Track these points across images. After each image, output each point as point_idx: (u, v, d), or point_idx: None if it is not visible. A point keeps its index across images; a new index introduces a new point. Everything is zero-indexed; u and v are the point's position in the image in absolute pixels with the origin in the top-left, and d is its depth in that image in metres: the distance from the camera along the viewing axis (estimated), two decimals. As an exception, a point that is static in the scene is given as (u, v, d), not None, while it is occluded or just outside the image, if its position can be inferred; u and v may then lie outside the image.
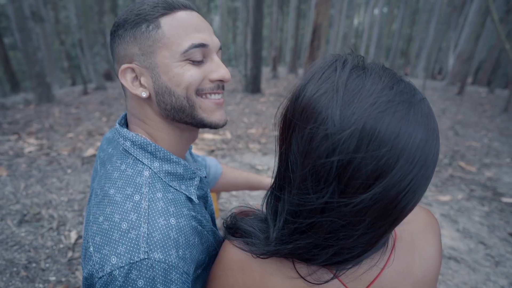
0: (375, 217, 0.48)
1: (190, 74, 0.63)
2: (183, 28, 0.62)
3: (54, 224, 1.63)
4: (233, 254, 0.61)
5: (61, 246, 1.50)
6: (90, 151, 2.73)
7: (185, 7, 0.64)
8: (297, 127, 0.51)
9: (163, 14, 0.62)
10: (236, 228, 0.65)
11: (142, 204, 0.58)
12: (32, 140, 3.33)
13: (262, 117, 6.84)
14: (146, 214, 0.57)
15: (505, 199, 3.20)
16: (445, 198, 3.43)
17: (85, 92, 7.84)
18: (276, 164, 0.61)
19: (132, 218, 0.56)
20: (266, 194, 0.65)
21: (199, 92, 0.66)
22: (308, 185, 0.49)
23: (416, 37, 23.79)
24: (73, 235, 1.57)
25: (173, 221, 0.59)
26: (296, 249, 0.52)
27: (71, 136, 3.89)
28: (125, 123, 0.75)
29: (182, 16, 0.63)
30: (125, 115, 0.77)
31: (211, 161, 1.36)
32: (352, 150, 0.44)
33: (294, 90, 0.54)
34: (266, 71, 14.27)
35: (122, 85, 0.68)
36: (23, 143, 3.14)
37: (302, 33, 24.97)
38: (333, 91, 0.47)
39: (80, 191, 2.00)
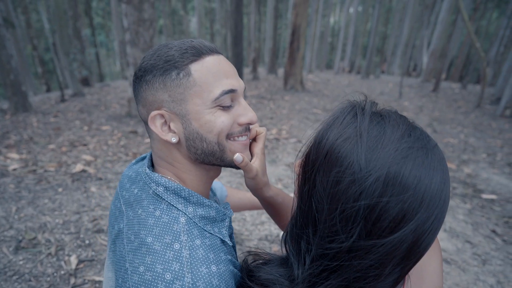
0: (402, 257, 0.51)
1: (221, 120, 0.65)
2: (213, 74, 0.63)
3: (52, 249, 1.60)
4: None
5: (62, 272, 1.47)
6: (79, 167, 2.68)
7: (211, 52, 0.65)
8: (321, 169, 0.53)
9: (192, 61, 0.62)
10: (253, 276, 0.66)
11: (183, 253, 0.59)
12: (13, 155, 3.23)
13: (247, 121, 6.83)
14: (189, 263, 0.58)
15: (484, 196, 3.34)
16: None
17: (62, 99, 7.61)
18: (296, 202, 0.63)
19: (175, 268, 0.57)
20: (285, 232, 0.67)
21: (229, 136, 0.68)
22: (337, 225, 0.51)
23: (391, 35, 24.35)
24: (73, 260, 1.55)
25: (214, 268, 0.59)
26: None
27: (53, 148, 3.79)
28: (151, 163, 0.75)
29: (210, 62, 0.63)
30: (150, 155, 0.77)
31: (216, 184, 1.36)
32: (378, 194, 0.47)
33: (316, 134, 0.57)
34: (246, 72, 14.28)
35: (147, 127, 0.69)
36: (4, 159, 3.04)
37: (279, 33, 25.11)
38: (357, 136, 0.50)
39: (74, 211, 1.96)
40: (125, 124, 5.55)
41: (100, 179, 2.47)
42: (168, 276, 0.56)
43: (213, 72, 0.63)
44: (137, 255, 0.60)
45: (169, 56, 0.62)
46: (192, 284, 0.55)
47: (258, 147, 0.78)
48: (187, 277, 0.56)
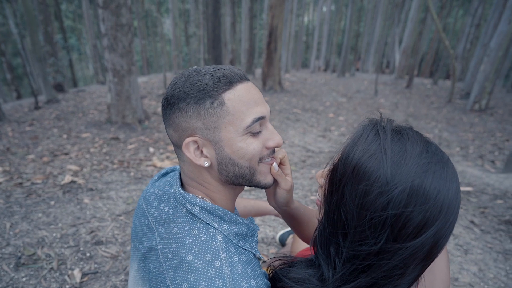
0: (423, 258, 0.58)
1: (253, 147, 0.69)
2: (245, 103, 0.66)
3: (54, 264, 1.60)
4: None
5: (67, 287, 1.47)
6: (67, 178, 2.64)
7: (241, 79, 0.68)
8: (349, 183, 0.60)
9: (225, 90, 0.65)
10: (281, 280, 0.71)
11: (224, 269, 0.63)
12: (-6, 168, 3.14)
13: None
14: (230, 280, 0.61)
15: (461, 188, 3.52)
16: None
17: (36, 107, 7.38)
18: (322, 211, 0.70)
19: (218, 284, 0.60)
20: (314, 238, 0.74)
21: (260, 160, 0.72)
22: (366, 232, 0.58)
23: (364, 33, 24.91)
24: (77, 273, 1.55)
25: (253, 282, 0.63)
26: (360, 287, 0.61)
27: (33, 158, 3.71)
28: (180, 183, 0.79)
29: (241, 90, 0.66)
30: (179, 175, 0.80)
31: None
32: (404, 204, 0.54)
33: (343, 151, 0.63)
34: (223, 73, 14.24)
35: (177, 149, 0.73)
36: (-14, 172, 2.95)
37: (254, 33, 25.19)
38: (381, 153, 0.57)
39: (70, 224, 1.95)
40: (105, 130, 5.46)
41: (91, 189, 2.45)
42: None
43: (244, 101, 0.66)
44: (178, 273, 0.64)
45: (203, 85, 0.64)
46: None
47: (288, 169, 0.84)
48: None
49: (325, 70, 24.54)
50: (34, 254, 1.64)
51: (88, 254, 1.72)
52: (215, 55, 8.07)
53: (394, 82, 15.32)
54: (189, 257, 0.64)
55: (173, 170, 0.97)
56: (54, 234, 1.82)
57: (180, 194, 0.73)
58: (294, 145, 5.34)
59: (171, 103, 0.67)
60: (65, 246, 1.75)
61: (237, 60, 22.54)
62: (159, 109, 7.63)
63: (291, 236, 1.96)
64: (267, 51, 10.56)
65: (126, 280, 1.59)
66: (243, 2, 20.25)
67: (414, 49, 15.06)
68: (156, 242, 0.73)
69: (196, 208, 0.71)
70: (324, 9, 24.05)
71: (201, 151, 0.69)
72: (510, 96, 13.45)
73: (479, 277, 2.04)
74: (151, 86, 11.76)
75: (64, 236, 1.82)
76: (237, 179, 0.72)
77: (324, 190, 0.67)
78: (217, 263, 0.63)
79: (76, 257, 1.68)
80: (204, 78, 0.65)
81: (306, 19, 33.36)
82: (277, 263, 0.78)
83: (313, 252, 0.76)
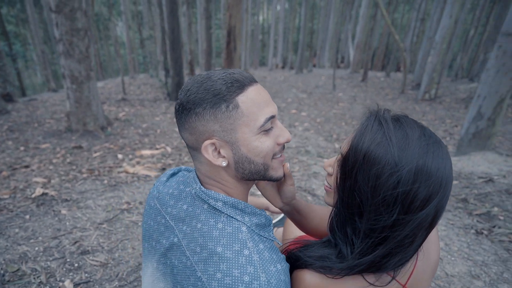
0: (427, 227, 0.68)
1: (267, 145, 0.74)
2: (257, 105, 0.71)
3: (42, 278, 1.55)
4: (310, 281, 0.75)
5: (60, 299, 1.45)
6: (38, 191, 2.54)
7: (251, 82, 0.72)
8: (361, 168, 0.68)
9: (238, 94, 0.69)
10: (299, 259, 0.79)
11: (253, 257, 0.68)
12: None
13: (193, 125, 6.82)
14: (260, 265, 0.67)
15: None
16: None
17: (-15, 120, 6.91)
18: (337, 196, 0.77)
19: (250, 271, 0.66)
20: (330, 220, 0.81)
21: (273, 157, 0.78)
22: (380, 209, 0.66)
23: (318, 30, 25.62)
24: (68, 284, 1.52)
25: (279, 266, 0.69)
26: (376, 259, 0.69)
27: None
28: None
29: (253, 92, 0.71)
30: (195, 174, 0.83)
31: None
32: (411, 182, 0.64)
33: (352, 142, 0.71)
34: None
35: (192, 151, 0.77)
36: None
37: (210, 33, 25.01)
38: (387, 140, 0.66)
39: (51, 237, 1.89)
40: (66, 140, 5.26)
41: (67, 200, 2.38)
42: (246, 278, 0.65)
43: (256, 102, 0.71)
44: (209, 264, 0.68)
45: (217, 90, 0.68)
46: (267, 282, 0.65)
47: (285, 165, 0.91)
48: (262, 277, 0.66)
49: (283, 67, 24.92)
50: (18, 270, 1.59)
51: (76, 265, 1.69)
52: (175, 57, 7.96)
53: (350, 76, 15.93)
54: (219, 249, 0.69)
55: (179, 170, 1.00)
56: (36, 248, 1.77)
57: (202, 192, 0.77)
58: (261, 143, 5.42)
59: (187, 109, 0.71)
60: (51, 258, 1.70)
61: (195, 60, 22.30)
62: (121, 115, 7.43)
63: (275, 228, 2.04)
64: (226, 51, 10.58)
65: (121, 286, 1.59)
66: (197, 2, 20.09)
67: (367, 44, 15.74)
68: (178, 239, 0.77)
69: (220, 203, 0.76)
70: (278, 7, 24.43)
71: (218, 152, 0.74)
72: (455, 85, 14.47)
73: (445, 250, 2.23)
74: (108, 91, 11.38)
75: (47, 249, 1.77)
76: (252, 175, 0.78)
77: (336, 177, 0.75)
78: (246, 251, 0.69)
79: (64, 269, 1.64)
80: (217, 83, 0.69)
81: (261, 18, 33.68)
82: (291, 247, 0.85)
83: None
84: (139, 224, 2.15)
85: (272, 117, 0.74)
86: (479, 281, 1.98)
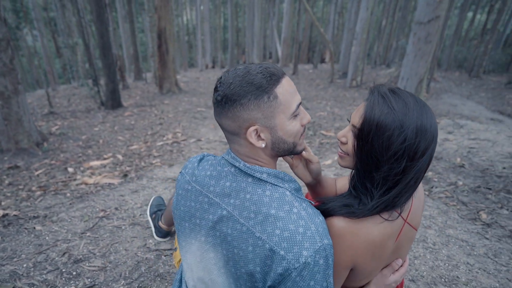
0: (425, 170, 0.89)
1: (297, 128, 0.91)
2: (290, 94, 0.86)
3: (44, 291, 1.53)
4: (338, 225, 0.93)
5: (70, 305, 1.44)
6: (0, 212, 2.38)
7: (283, 75, 0.87)
8: (375, 135, 0.88)
9: (276, 86, 0.83)
10: (325, 211, 0.96)
11: (302, 213, 0.84)
12: None
13: (136, 131, 6.68)
14: (309, 218, 0.83)
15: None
16: (328, 162, 4.26)
17: None
18: (355, 159, 0.96)
19: (302, 223, 0.81)
20: (352, 179, 0.99)
21: (300, 136, 0.95)
22: (392, 161, 0.86)
23: (245, 28, 26.02)
24: (74, 291, 1.52)
25: (320, 218, 0.87)
26: (389, 199, 0.89)
27: None
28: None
29: (286, 84, 0.86)
30: (232, 155, 0.95)
31: None
32: (414, 138, 0.84)
33: (365, 115, 0.90)
34: (112, 82, 13.46)
35: (230, 134, 0.90)
36: None
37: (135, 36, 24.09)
38: (392, 110, 0.86)
39: (35, 253, 1.82)
40: (-4, 160, 4.82)
41: (35, 217, 2.27)
42: (300, 230, 0.81)
43: (289, 92, 0.86)
44: (266, 224, 0.83)
45: (259, 83, 0.82)
46: (316, 230, 0.82)
47: (309, 150, 1.12)
48: (312, 227, 0.82)
49: (213, 67, 24.94)
50: (14, 287, 1.53)
51: (74, 273, 1.67)
52: (107, 63, 7.62)
53: (281, 70, 16.55)
54: (272, 211, 0.84)
55: (203, 156, 1.11)
56: (25, 265, 1.70)
57: (247, 167, 0.91)
58: (211, 141, 5.53)
59: (232, 100, 0.83)
60: (45, 272, 1.66)
61: (123, 65, 21.30)
62: (54, 129, 6.95)
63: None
64: (159, 54, 10.39)
65: (128, 284, 1.62)
66: (117, 6, 19.22)
67: (294, 39, 16.50)
68: (228, 211, 0.89)
69: (264, 174, 0.90)
70: (202, 7, 24.33)
71: (259, 136, 0.88)
72: (375, 71, 15.84)
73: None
74: (30, 106, 10.47)
75: (36, 264, 1.72)
76: (284, 152, 0.95)
77: (354, 145, 0.94)
78: (294, 210, 0.84)
79: (63, 278, 1.62)
80: (258, 77, 0.82)
81: (185, 18, 33.21)
82: (315, 205, 1.02)
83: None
84: (123, 228, 2.15)
85: (300, 103, 0.91)
86: (431, 230, 2.34)
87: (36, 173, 4.14)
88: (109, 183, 3.19)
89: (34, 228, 2.09)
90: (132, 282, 1.64)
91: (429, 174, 3.63)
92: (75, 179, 3.54)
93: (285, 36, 14.35)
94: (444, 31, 10.06)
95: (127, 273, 1.71)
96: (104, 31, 7.34)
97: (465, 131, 5.32)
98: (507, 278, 1.81)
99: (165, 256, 1.88)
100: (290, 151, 0.96)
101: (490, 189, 3.09)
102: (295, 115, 0.89)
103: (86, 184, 3.23)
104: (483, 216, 2.58)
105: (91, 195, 2.78)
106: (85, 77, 9.84)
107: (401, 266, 1.11)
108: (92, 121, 7.71)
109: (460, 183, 3.28)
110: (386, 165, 0.88)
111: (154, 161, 4.23)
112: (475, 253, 2.07)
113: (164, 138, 5.80)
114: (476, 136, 4.97)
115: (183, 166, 1.11)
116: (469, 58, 18.55)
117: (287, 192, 0.89)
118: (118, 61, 12.57)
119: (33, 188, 3.34)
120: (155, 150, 5.07)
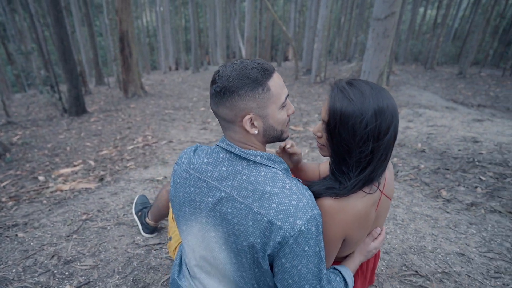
0: (391, 145, 1.03)
1: (285, 117, 1.04)
2: (279, 86, 0.99)
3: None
4: (326, 203, 1.05)
5: (68, 302, 1.47)
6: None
7: (274, 70, 0.99)
8: (341, 126, 1.01)
9: (268, 79, 0.95)
10: (314, 192, 1.08)
11: (293, 188, 0.96)
12: None
13: (104, 137, 6.56)
14: (300, 193, 0.95)
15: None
16: (300, 153, 4.44)
17: None
18: (330, 150, 1.08)
19: (295, 197, 0.93)
20: (330, 166, 1.12)
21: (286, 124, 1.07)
22: (361, 144, 0.99)
23: (208, 28, 25.90)
24: (70, 289, 1.55)
25: (309, 192, 1.00)
26: (366, 176, 1.02)
27: None
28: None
29: (276, 77, 0.98)
30: (227, 143, 1.05)
31: None
32: (374, 121, 0.98)
33: (329, 110, 1.03)
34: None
35: (225, 122, 1.00)
36: None
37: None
38: (351, 101, 0.99)
39: (22, 258, 1.81)
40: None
41: (15, 225, 2.23)
42: (294, 202, 0.93)
43: (279, 85, 0.99)
44: (263, 200, 0.94)
45: (254, 77, 0.93)
46: (307, 202, 0.95)
47: (294, 145, 1.27)
48: (303, 199, 0.94)
49: (177, 68, 24.63)
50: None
51: (66, 273, 1.69)
52: (69, 69, 7.37)
53: (246, 69, 16.65)
54: (268, 188, 0.95)
55: (197, 146, 1.19)
56: (14, 270, 1.70)
57: (243, 152, 1.02)
58: (183, 142, 5.54)
59: (231, 91, 0.94)
60: (36, 274, 1.67)
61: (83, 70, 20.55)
62: (15, 139, 6.67)
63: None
64: (122, 57, 10.17)
65: (123, 278, 1.67)
66: (73, 9, 18.55)
67: (257, 38, 16.67)
68: (226, 193, 0.99)
69: (258, 157, 1.01)
70: (161, 8, 23.95)
71: (252, 123, 0.99)
72: (337, 66, 16.35)
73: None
74: (-15, 116, 9.93)
75: (26, 268, 1.72)
76: (273, 139, 1.07)
77: (326, 138, 1.08)
78: (287, 186, 0.96)
79: (56, 279, 1.64)
80: (253, 71, 0.94)
81: (144, 20, 32.48)
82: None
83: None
84: (108, 228, 2.17)
85: (288, 95, 1.04)
86: (399, 208, 2.54)
87: (2, 184, 4.00)
88: (86, 188, 3.16)
89: (17, 235, 2.07)
90: (126, 276, 1.69)
91: (394, 160, 3.88)
92: (47, 187, 3.47)
93: (248, 35, 14.48)
94: (400, 26, 10.61)
95: (120, 268, 1.75)
96: (64, 35, 7.11)
97: (423, 119, 5.69)
98: (466, 244, 2.03)
99: (155, 250, 1.93)
100: (278, 138, 1.08)
101: (448, 169, 3.37)
102: (283, 106, 1.01)
103: (61, 190, 3.18)
104: (444, 193, 2.83)
105: (69, 200, 2.76)
106: (44, 84, 9.45)
107: (379, 234, 1.26)
108: (56, 128, 7.47)
109: (422, 166, 3.55)
110: (356, 150, 1.01)
111: (128, 164, 4.21)
112: (438, 225, 2.29)
113: (135, 142, 5.74)
114: (433, 123, 5.34)
115: (178, 156, 1.19)
116: (423, 51, 19.63)
117: (279, 172, 1.01)
118: (79, 66, 12.17)
119: (3, 199, 3.24)
120: (127, 154, 5.02)
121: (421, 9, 25.38)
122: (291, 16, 18.37)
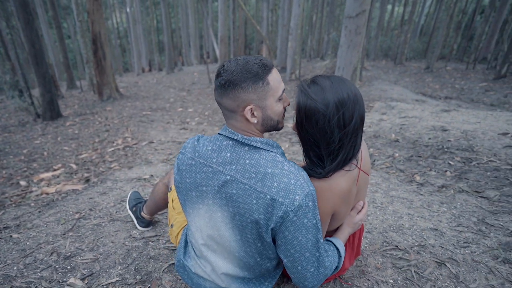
0: (359, 131, 1.17)
1: (281, 109, 1.16)
2: (278, 81, 1.11)
3: (44, 284, 1.59)
4: (316, 184, 1.19)
5: (74, 293, 1.53)
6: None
7: (272, 66, 1.11)
8: (306, 122, 1.16)
9: (268, 74, 1.07)
10: None
11: (291, 169, 1.08)
12: None
13: (82, 140, 6.49)
14: (297, 173, 1.08)
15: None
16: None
17: None
18: (302, 146, 1.22)
19: (293, 176, 1.06)
20: (303, 157, 1.25)
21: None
22: (328, 135, 1.12)
23: (181, 28, 25.66)
24: (74, 280, 1.60)
25: (304, 172, 1.13)
26: (342, 158, 1.16)
27: None
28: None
29: (274, 73, 1.10)
30: (230, 132, 1.16)
31: None
32: (336, 112, 1.11)
33: (295, 109, 1.15)
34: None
35: (228, 112, 1.11)
36: None
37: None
38: (312, 98, 1.13)
39: (20, 257, 1.82)
40: None
41: (7, 227, 2.24)
42: (292, 181, 1.06)
43: (277, 80, 1.12)
44: (265, 180, 1.06)
45: (255, 71, 1.05)
46: (304, 180, 1.08)
47: None
48: (300, 178, 1.08)
49: (150, 70, 24.30)
50: (12, 287, 1.57)
51: (69, 267, 1.74)
52: (42, 73, 7.21)
53: (221, 69, 16.67)
54: (269, 170, 1.08)
55: (199, 136, 1.30)
56: (15, 268, 1.73)
57: (245, 138, 1.14)
58: (164, 142, 5.58)
59: (235, 84, 1.05)
60: (38, 270, 1.71)
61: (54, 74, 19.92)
62: (-13, 146, 6.47)
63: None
64: (95, 60, 10.01)
65: (125, 268, 1.74)
66: (39, 11, 17.97)
67: (231, 37, 16.72)
68: (231, 176, 1.11)
69: (259, 143, 1.14)
70: (132, 9, 23.54)
71: (252, 113, 1.11)
72: (311, 64, 16.66)
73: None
74: (-47, 124, 9.52)
75: (27, 265, 1.75)
76: (271, 128, 1.19)
77: (298, 133, 1.22)
78: (286, 167, 1.09)
79: (59, 273, 1.69)
80: (255, 66, 1.05)
81: (114, 21, 31.76)
82: None
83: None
84: (103, 225, 2.22)
85: (284, 89, 1.16)
86: (378, 193, 2.72)
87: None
88: (73, 189, 3.17)
89: (11, 236, 2.09)
90: (128, 266, 1.76)
91: (370, 150, 4.09)
92: (31, 191, 3.44)
93: (221, 35, 14.51)
94: (369, 23, 10.98)
95: (120, 260, 1.82)
96: (35, 38, 6.95)
97: (396, 111, 5.98)
98: (438, 220, 2.23)
99: (152, 242, 2.01)
100: (274, 127, 1.20)
101: (420, 157, 3.60)
102: (280, 99, 1.13)
103: (47, 193, 3.17)
104: (417, 178, 3.05)
105: (58, 201, 2.77)
106: (13, 89, 9.16)
107: (363, 207, 1.41)
108: (30, 134, 7.30)
109: (397, 154, 3.77)
110: (324, 141, 1.15)
111: (112, 166, 4.22)
112: (413, 206, 2.48)
113: (114, 144, 5.72)
114: (405, 114, 5.62)
115: (182, 146, 1.29)
116: (392, 47, 20.31)
117: (278, 155, 1.14)
118: (51, 69, 11.84)
119: (-14, 206, 3.19)
120: (108, 156, 5.01)
121: (389, 6, 26.21)
122: (264, 15, 18.52)
